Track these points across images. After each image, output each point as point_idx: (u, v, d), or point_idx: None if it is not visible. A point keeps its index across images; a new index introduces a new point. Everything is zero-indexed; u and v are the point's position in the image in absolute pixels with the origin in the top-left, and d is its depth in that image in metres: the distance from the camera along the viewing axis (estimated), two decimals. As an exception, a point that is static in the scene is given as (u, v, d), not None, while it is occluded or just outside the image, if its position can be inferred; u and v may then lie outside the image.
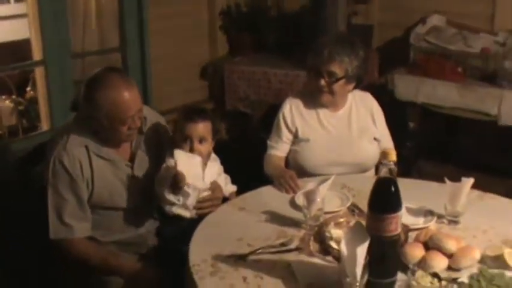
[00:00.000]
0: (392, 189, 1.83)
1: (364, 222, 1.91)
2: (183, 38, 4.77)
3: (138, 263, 2.50)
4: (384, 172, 1.85)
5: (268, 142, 2.99)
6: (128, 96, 2.37)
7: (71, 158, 2.39)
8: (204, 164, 2.56)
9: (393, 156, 1.85)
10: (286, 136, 2.95)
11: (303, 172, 2.83)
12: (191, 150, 2.51)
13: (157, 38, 4.45)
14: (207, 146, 2.56)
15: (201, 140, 2.53)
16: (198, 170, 2.52)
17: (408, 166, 3.03)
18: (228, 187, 2.70)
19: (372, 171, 2.98)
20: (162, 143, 2.67)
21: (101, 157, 2.46)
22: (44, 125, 4.12)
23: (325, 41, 2.89)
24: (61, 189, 2.39)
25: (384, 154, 1.85)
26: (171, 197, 2.45)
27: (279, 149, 2.96)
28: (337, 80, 2.82)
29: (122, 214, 2.57)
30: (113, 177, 2.50)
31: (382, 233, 1.83)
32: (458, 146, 4.53)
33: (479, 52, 4.20)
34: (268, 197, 2.59)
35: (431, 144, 4.52)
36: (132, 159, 2.57)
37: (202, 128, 2.53)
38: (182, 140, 2.52)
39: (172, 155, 2.48)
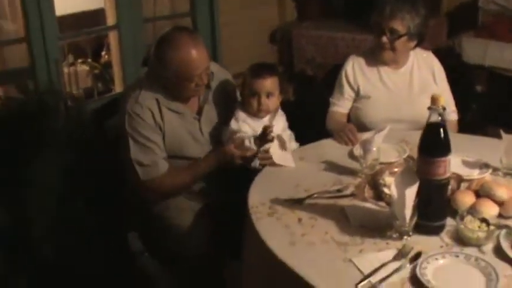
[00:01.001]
0: (442, 133, 1.92)
1: (410, 170, 2.00)
2: (251, 4, 4.84)
3: (212, 153, 2.68)
4: (433, 117, 1.93)
5: (331, 99, 3.09)
6: (195, 55, 2.51)
7: (144, 108, 2.57)
8: (271, 119, 2.72)
9: (442, 101, 1.92)
10: (348, 93, 3.04)
11: (364, 128, 2.90)
12: (259, 104, 2.66)
13: (226, 3, 4.55)
14: (274, 101, 2.70)
15: (268, 95, 2.68)
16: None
17: (474, 129, 3.05)
18: (292, 144, 2.82)
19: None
20: (229, 98, 2.83)
21: (171, 109, 2.63)
22: (118, 87, 4.31)
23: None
24: (139, 135, 2.57)
25: (433, 99, 1.93)
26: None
27: (341, 106, 3.05)
28: (399, 37, 2.88)
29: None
30: (182, 128, 2.67)
31: (431, 176, 1.91)
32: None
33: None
34: (327, 148, 2.70)
35: (498, 109, 4.49)
36: (199, 112, 2.73)
37: (269, 83, 2.67)
38: (250, 96, 2.67)
39: (236, 118, 2.67)
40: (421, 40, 2.99)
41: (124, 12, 4.02)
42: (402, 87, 3.00)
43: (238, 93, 2.89)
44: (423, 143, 1.95)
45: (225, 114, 2.76)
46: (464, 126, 3.07)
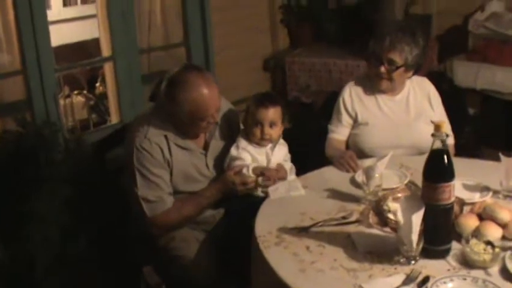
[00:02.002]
0: (446, 160, 1.98)
1: (414, 196, 2.07)
2: (245, 31, 4.91)
3: (214, 182, 2.74)
4: (436, 144, 1.99)
5: (329, 126, 3.15)
6: (208, 95, 2.57)
7: (153, 144, 2.61)
8: (273, 147, 2.78)
9: (445, 128, 2.00)
10: (346, 120, 3.10)
11: (363, 154, 2.96)
12: (262, 133, 2.72)
13: (219, 33, 4.62)
14: (277, 130, 2.77)
15: (271, 125, 2.73)
16: (262, 157, 2.75)
17: (468, 152, 3.12)
18: (292, 176, 2.86)
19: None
20: (234, 130, 2.88)
21: (179, 146, 2.68)
22: (114, 119, 4.35)
23: (387, 29, 3.03)
24: (146, 171, 2.61)
25: (436, 127, 1.99)
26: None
27: (339, 133, 3.11)
28: (397, 68, 2.95)
29: None
30: (189, 164, 2.72)
31: (436, 201, 1.97)
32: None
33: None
34: (329, 175, 2.75)
35: (491, 131, 4.56)
36: (206, 147, 2.79)
37: (273, 113, 2.73)
38: (253, 125, 2.73)
39: (237, 145, 2.72)
40: (418, 69, 3.07)
41: (119, 42, 4.08)
42: (399, 114, 3.07)
43: (240, 122, 2.95)
44: (428, 170, 2.01)
45: (230, 145, 2.80)
46: (459, 149, 3.13)
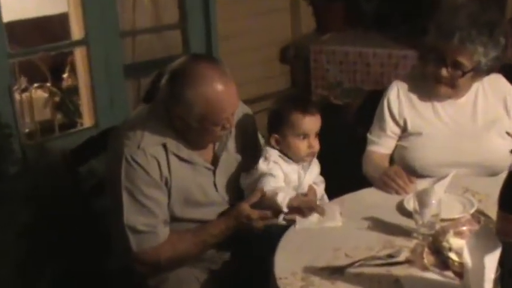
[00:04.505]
0: (530, 182, 1.95)
1: (491, 229, 2.03)
2: (257, 12, 4.94)
3: (225, 216, 2.70)
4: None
5: (369, 136, 3.14)
6: (224, 92, 2.53)
7: (148, 157, 2.58)
8: (307, 166, 2.80)
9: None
10: (392, 129, 3.09)
11: (413, 174, 2.93)
12: (309, 147, 2.74)
13: (225, 13, 4.65)
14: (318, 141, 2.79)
15: (316, 135, 2.76)
16: (294, 177, 2.76)
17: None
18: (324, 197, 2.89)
19: (503, 175, 3.06)
20: (250, 142, 2.89)
21: (180, 158, 2.65)
22: (86, 121, 4.35)
23: (456, 20, 2.95)
24: (138, 192, 2.58)
25: (519, 139, 1.97)
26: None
27: (382, 145, 3.10)
28: (464, 73, 2.92)
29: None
30: (192, 182, 2.69)
31: (515, 239, 1.95)
32: None
33: None
34: (370, 200, 2.74)
35: None
36: (214, 161, 2.77)
37: (319, 121, 2.76)
38: (295, 137, 2.73)
39: (266, 156, 2.72)
40: (491, 72, 3.04)
41: (94, 21, 4.07)
42: (463, 122, 3.06)
43: (259, 134, 2.96)
44: (506, 196, 1.99)
45: (246, 164, 2.80)
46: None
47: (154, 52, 4.61)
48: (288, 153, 2.74)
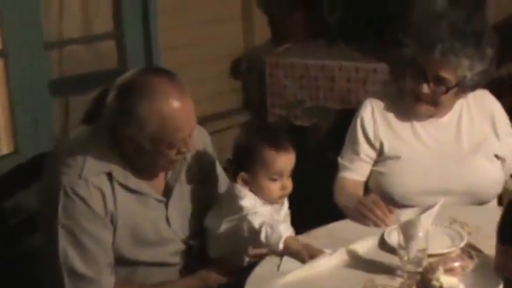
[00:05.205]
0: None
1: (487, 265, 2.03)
2: (205, 20, 4.95)
3: (189, 279, 2.72)
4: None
5: (340, 160, 3.14)
6: (182, 110, 2.52)
7: (91, 188, 2.53)
8: (281, 206, 2.79)
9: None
10: (366, 152, 3.10)
11: (392, 203, 2.93)
12: (283, 188, 2.71)
13: (168, 22, 4.65)
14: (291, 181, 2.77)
15: (290, 174, 2.74)
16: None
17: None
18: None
19: (494, 203, 3.10)
20: (208, 170, 2.88)
21: (128, 189, 2.62)
22: (3, 147, 4.26)
23: (437, 30, 2.96)
24: (78, 230, 2.53)
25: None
26: None
27: (355, 171, 3.10)
28: (448, 89, 2.94)
29: (148, 271, 2.71)
30: (141, 217, 2.65)
31: (518, 276, 1.94)
32: None
33: None
34: (345, 234, 2.71)
35: None
36: (167, 193, 2.74)
37: (294, 158, 2.74)
38: (267, 177, 2.69)
39: (242, 196, 2.67)
40: (477, 87, 3.06)
41: (13, 31, 4.01)
42: (446, 143, 3.07)
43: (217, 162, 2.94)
44: (505, 227, 2.00)
45: (203, 196, 2.78)
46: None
47: (85, 65, 4.55)
48: (258, 194, 2.71)
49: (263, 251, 2.61)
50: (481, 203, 3.03)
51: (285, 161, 2.70)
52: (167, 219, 2.72)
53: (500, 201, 3.14)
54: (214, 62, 5.10)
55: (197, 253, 2.81)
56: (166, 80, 2.54)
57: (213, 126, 2.83)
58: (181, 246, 2.75)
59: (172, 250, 2.73)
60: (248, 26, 5.26)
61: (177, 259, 2.76)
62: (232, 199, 2.69)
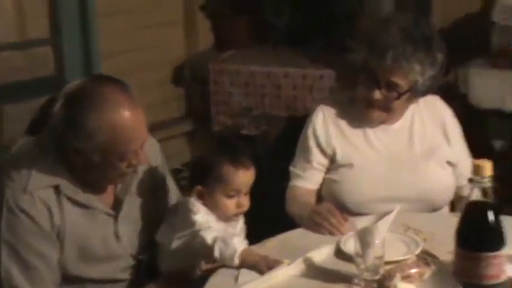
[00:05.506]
0: (491, 216, 2.03)
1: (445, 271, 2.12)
2: (146, 25, 4.97)
3: None
4: (475, 193, 2.04)
5: (292, 169, 3.19)
6: (134, 120, 2.51)
7: (37, 202, 2.52)
8: (237, 222, 2.82)
9: (489, 170, 2.04)
10: (319, 160, 3.15)
11: (345, 211, 2.98)
12: (239, 206, 2.74)
13: (108, 25, 4.66)
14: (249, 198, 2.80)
15: (248, 191, 2.77)
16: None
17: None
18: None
19: (446, 210, 3.19)
20: (159, 183, 2.89)
21: (76, 203, 2.61)
22: None
23: (388, 35, 3.03)
24: (23, 247, 2.52)
25: (476, 168, 2.04)
26: None
27: (307, 179, 3.16)
28: (400, 95, 3.02)
29: None
30: (88, 233, 2.65)
31: (477, 280, 2.02)
32: None
33: None
34: (299, 243, 2.75)
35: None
36: (116, 206, 2.74)
37: (253, 175, 2.77)
38: (224, 194, 2.71)
39: (195, 211, 2.67)
40: (428, 93, 3.15)
41: None
42: (399, 150, 3.15)
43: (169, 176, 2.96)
44: (463, 232, 2.06)
45: (154, 209, 2.79)
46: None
47: (20, 72, 4.53)
48: (212, 210, 2.72)
49: (216, 265, 2.61)
50: (434, 209, 3.11)
51: (243, 178, 2.72)
52: (116, 234, 2.71)
53: (452, 208, 3.21)
54: (155, 68, 5.11)
55: (146, 267, 2.80)
56: (117, 89, 2.53)
57: (154, 136, 2.82)
58: (130, 262, 2.75)
59: (121, 266, 2.72)
60: (191, 31, 5.27)
61: (126, 275, 2.75)
62: (185, 213, 2.67)
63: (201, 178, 2.73)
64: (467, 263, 2.04)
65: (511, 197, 4.43)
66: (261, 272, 2.49)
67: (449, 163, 3.15)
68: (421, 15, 4.34)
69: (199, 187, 2.71)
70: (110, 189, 2.73)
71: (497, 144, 4.59)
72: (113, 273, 2.70)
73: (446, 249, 2.39)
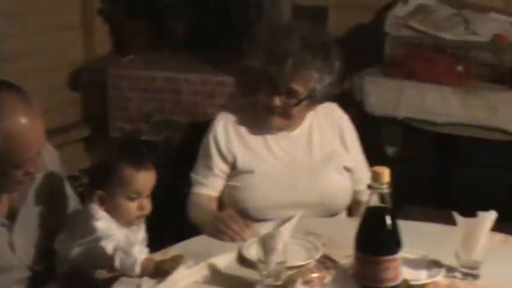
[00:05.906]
0: (389, 221, 2.13)
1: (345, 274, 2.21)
2: (42, 29, 4.95)
3: None
4: (374, 199, 2.14)
5: (193, 176, 3.24)
6: (30, 127, 2.45)
7: None
8: (138, 228, 2.81)
9: (387, 176, 2.14)
10: (220, 167, 3.21)
11: (247, 218, 3.04)
12: (141, 209, 2.73)
13: (3, 28, 4.64)
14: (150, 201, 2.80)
15: (149, 194, 2.77)
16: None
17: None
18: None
19: (343, 215, 3.30)
20: (57, 188, 2.86)
21: None
22: None
23: (288, 43, 3.11)
24: None
25: (375, 174, 2.13)
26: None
27: (209, 186, 3.22)
28: (299, 101, 3.11)
29: None
30: None
31: (377, 282, 2.10)
32: (458, 180, 4.84)
33: (490, 41, 4.51)
34: (201, 250, 2.76)
35: (419, 179, 4.80)
36: (12, 216, 2.69)
37: (154, 177, 2.77)
38: (125, 197, 2.70)
39: (97, 217, 2.65)
40: (325, 100, 3.25)
41: None
42: (298, 156, 3.23)
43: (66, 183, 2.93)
44: (362, 237, 2.13)
45: (52, 217, 2.77)
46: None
47: None
48: (114, 214, 2.70)
49: (118, 274, 2.59)
50: (332, 214, 3.20)
51: (145, 179, 2.72)
52: (11, 245, 2.67)
53: (349, 213, 3.31)
54: (51, 73, 5.07)
55: (43, 278, 2.74)
56: (13, 95, 2.48)
57: (49, 142, 2.78)
58: (26, 273, 2.70)
59: (16, 277, 2.68)
60: (88, 35, 5.27)
61: (21, 287, 2.71)
62: (86, 219, 2.63)
63: (101, 182, 2.71)
64: (366, 267, 2.11)
65: (403, 202, 4.61)
66: (164, 273, 2.49)
67: (346, 168, 3.25)
68: (318, 24, 4.48)
69: (100, 192, 2.68)
70: (5, 198, 2.66)
71: (390, 150, 4.70)
72: (6, 285, 2.66)
73: (345, 254, 2.48)
